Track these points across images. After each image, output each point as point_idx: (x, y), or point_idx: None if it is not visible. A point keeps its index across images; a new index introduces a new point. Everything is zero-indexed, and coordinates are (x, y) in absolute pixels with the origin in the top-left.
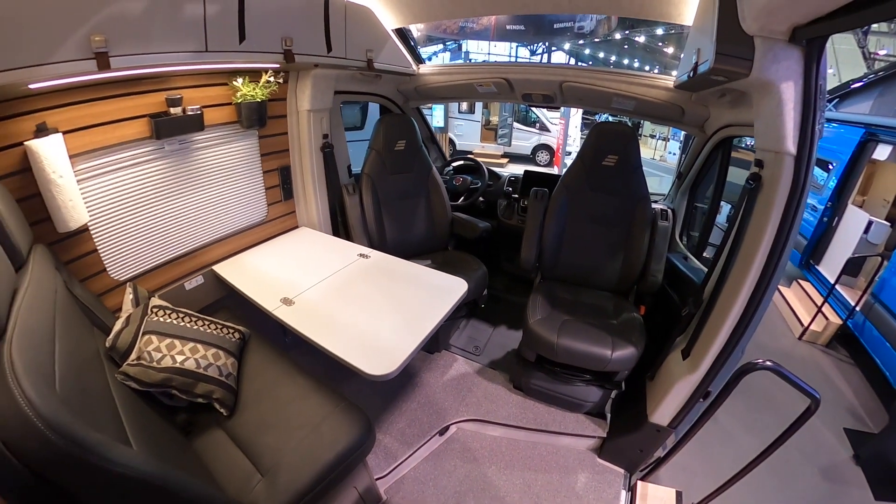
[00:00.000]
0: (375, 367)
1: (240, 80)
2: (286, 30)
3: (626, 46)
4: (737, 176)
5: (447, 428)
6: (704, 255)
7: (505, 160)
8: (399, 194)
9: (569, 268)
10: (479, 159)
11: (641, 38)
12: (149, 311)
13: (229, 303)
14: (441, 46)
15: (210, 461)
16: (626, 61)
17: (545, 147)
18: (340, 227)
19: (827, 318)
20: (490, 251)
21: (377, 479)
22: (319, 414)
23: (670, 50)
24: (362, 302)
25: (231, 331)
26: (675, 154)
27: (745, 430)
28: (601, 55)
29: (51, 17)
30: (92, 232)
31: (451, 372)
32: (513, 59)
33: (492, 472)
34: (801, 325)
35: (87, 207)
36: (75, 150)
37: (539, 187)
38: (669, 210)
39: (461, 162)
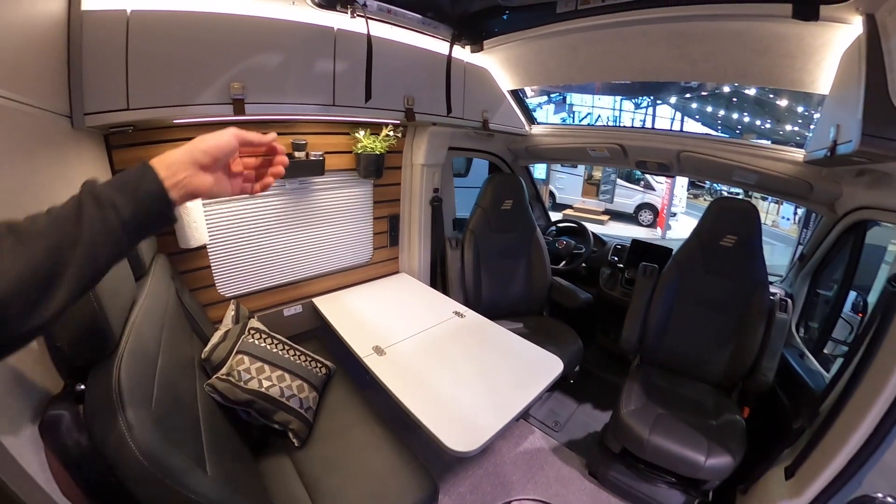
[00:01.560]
0: (456, 441)
1: (361, 132)
2: (408, 89)
3: (734, 100)
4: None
5: None
6: (824, 351)
7: (606, 217)
8: (500, 253)
9: (671, 354)
10: (582, 220)
11: (752, 91)
12: (246, 331)
13: (321, 333)
14: (546, 98)
15: (272, 489)
16: (735, 115)
17: (649, 206)
18: (438, 278)
19: None
20: (587, 320)
21: None
22: (389, 467)
23: (783, 103)
24: (452, 365)
25: (319, 365)
26: (788, 219)
27: None
28: (709, 109)
29: (198, 65)
30: (209, 250)
31: (525, 444)
32: (617, 112)
33: None
34: None
35: (208, 229)
36: None
37: (647, 262)
38: (788, 300)
39: (565, 224)
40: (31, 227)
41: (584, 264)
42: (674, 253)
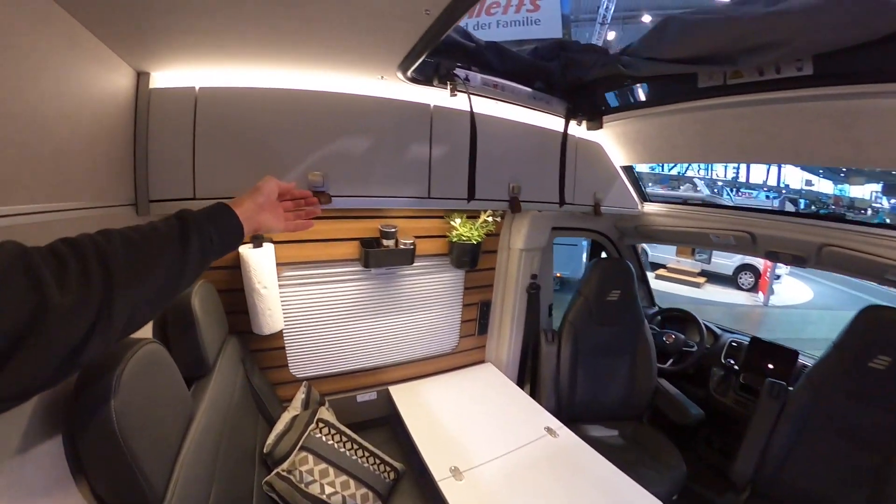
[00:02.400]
0: None
1: (458, 219)
2: (514, 173)
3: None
4: None
5: None
6: None
7: (702, 280)
8: (601, 349)
9: (791, 491)
10: (676, 281)
11: None
12: (314, 422)
13: (393, 420)
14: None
15: None
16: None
17: (749, 268)
18: (527, 372)
19: None
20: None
21: None
22: None
23: None
24: (540, 500)
25: (388, 469)
26: None
27: None
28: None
29: (272, 151)
30: (284, 332)
31: None
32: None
33: None
34: None
35: (284, 308)
36: (284, 260)
37: (773, 376)
38: None
39: (673, 312)
40: (143, 242)
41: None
42: (808, 371)
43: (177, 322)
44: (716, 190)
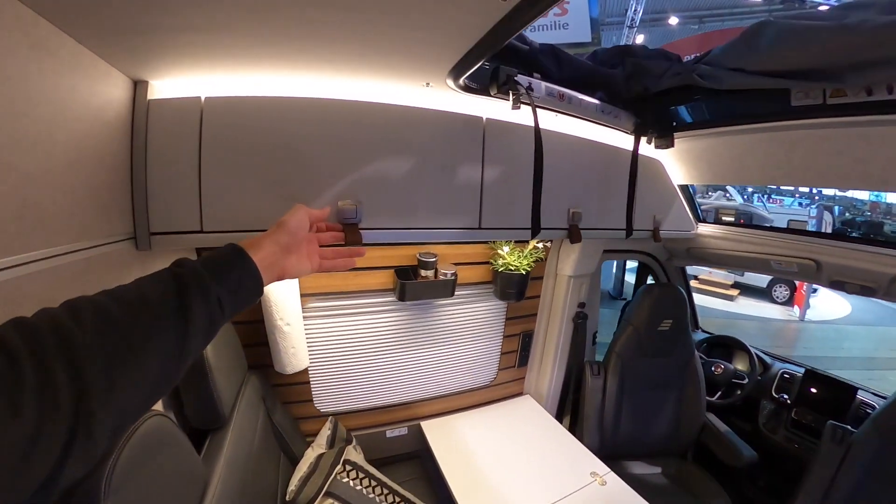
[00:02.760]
0: None
1: (506, 247)
2: (574, 197)
3: None
4: None
5: None
6: None
7: (735, 292)
8: (649, 383)
9: None
10: (708, 293)
11: None
12: (340, 463)
13: (424, 454)
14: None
15: None
16: None
17: (785, 280)
18: (568, 406)
19: None
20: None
21: None
22: None
23: None
24: None
25: None
26: None
27: None
28: None
29: (294, 173)
30: (309, 367)
31: None
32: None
33: None
34: None
35: (309, 342)
36: (310, 290)
37: (829, 413)
38: None
39: (721, 339)
40: (127, 319)
41: (738, 390)
42: (875, 415)
43: (187, 374)
44: (746, 196)
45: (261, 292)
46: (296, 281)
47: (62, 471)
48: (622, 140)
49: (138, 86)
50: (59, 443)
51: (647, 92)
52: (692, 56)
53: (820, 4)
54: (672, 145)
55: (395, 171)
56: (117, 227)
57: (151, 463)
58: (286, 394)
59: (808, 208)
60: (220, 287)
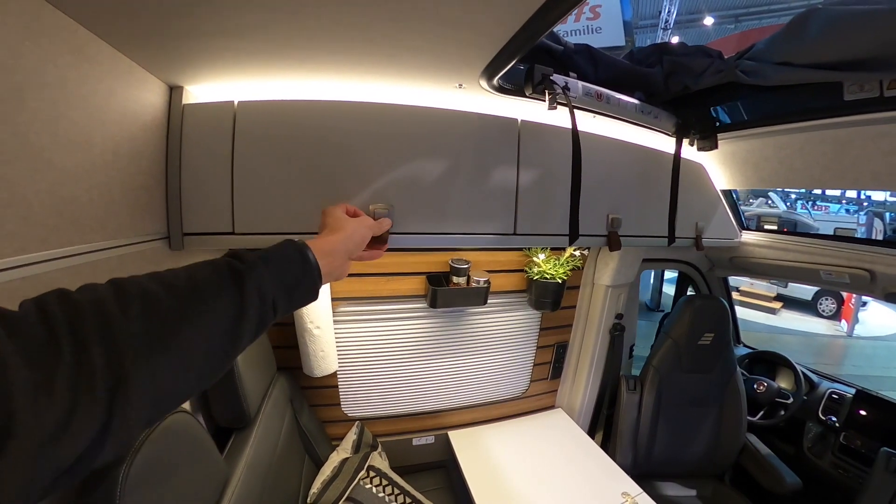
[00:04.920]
0: None
1: (541, 254)
2: (613, 202)
3: None
4: None
5: None
6: None
7: (778, 305)
8: (688, 399)
9: None
10: (749, 305)
11: None
12: (364, 468)
13: (450, 464)
14: None
15: None
16: None
17: (831, 293)
18: (602, 421)
19: None
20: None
21: None
22: None
23: None
24: None
25: None
26: None
27: None
28: None
29: (326, 176)
30: (338, 371)
31: None
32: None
33: None
34: None
35: (339, 346)
36: (341, 294)
37: (882, 439)
38: None
39: (764, 356)
40: (178, 307)
41: (782, 411)
42: None
43: None
44: (789, 203)
45: (316, 296)
46: (327, 285)
47: (92, 456)
48: (663, 143)
49: (174, 91)
50: (92, 429)
51: (688, 91)
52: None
53: None
54: (716, 147)
55: (427, 174)
56: (151, 227)
57: (170, 459)
58: (314, 396)
59: (857, 215)
60: (277, 286)
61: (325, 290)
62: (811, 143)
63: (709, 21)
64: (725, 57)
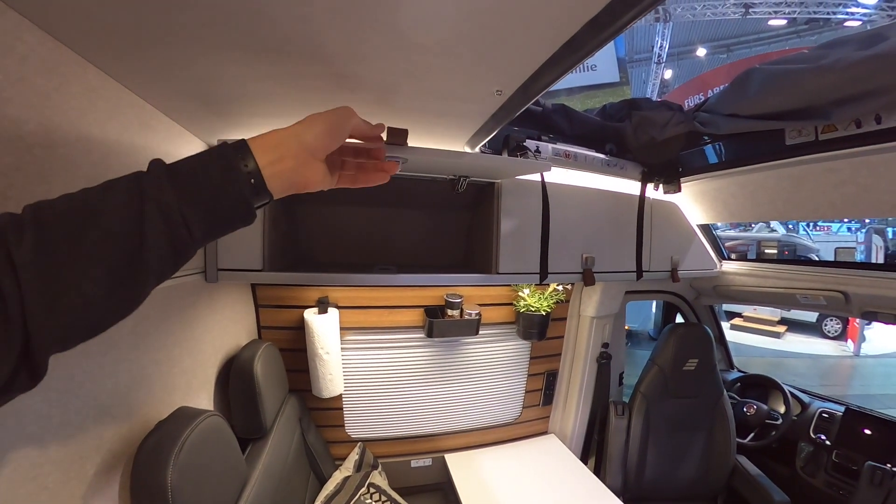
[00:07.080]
0: None
1: (526, 290)
2: (587, 243)
3: None
4: None
5: None
6: None
7: (782, 328)
8: (676, 423)
9: None
10: (753, 331)
11: None
12: (365, 486)
13: (447, 486)
14: None
15: None
16: None
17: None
18: (593, 447)
19: None
20: None
21: None
22: None
23: None
24: None
25: None
26: None
27: None
28: None
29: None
30: (343, 394)
31: None
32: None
33: None
34: None
35: (345, 371)
36: (348, 324)
37: (874, 455)
38: None
39: (754, 379)
40: (73, 234)
41: (773, 431)
42: None
43: (238, 387)
44: (790, 226)
45: (252, 212)
46: (336, 316)
47: (11, 383)
48: (634, 187)
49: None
50: (14, 353)
51: (654, 141)
52: (698, 96)
53: (846, 20)
54: (679, 190)
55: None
56: (191, 262)
57: (208, 451)
58: (320, 417)
59: (857, 233)
60: (188, 203)
61: (334, 320)
62: (771, 179)
63: (701, 52)
64: (685, 105)
